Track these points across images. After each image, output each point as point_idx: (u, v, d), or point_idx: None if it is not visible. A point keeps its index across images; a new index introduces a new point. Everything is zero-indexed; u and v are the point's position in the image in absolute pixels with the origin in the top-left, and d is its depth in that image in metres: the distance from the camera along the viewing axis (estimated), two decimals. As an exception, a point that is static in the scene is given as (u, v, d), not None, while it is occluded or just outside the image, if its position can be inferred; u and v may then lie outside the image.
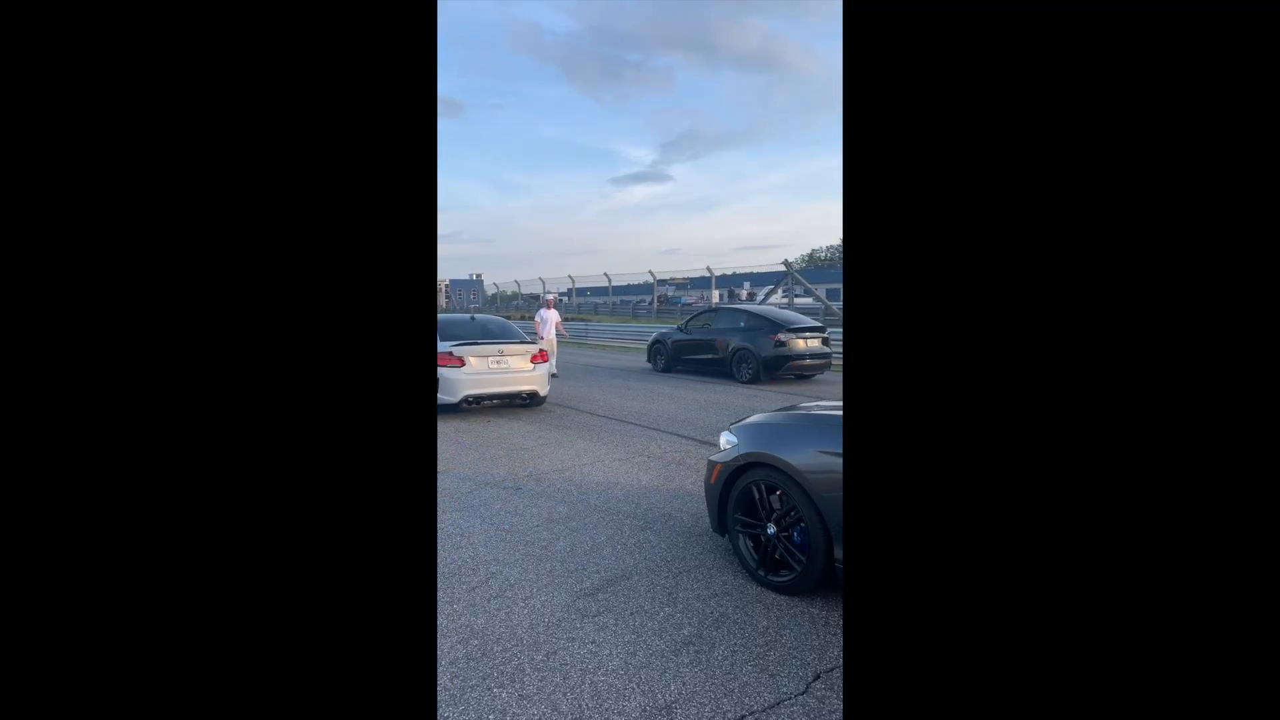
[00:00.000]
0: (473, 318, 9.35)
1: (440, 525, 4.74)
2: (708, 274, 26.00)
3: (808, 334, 11.88)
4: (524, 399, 8.76)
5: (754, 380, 11.51)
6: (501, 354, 8.52)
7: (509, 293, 44.78)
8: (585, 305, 40.67)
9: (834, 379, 12.32)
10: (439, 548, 4.33)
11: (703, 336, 12.68)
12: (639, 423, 8.31)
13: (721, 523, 3.95)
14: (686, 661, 2.99)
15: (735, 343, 12.06)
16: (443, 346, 8.40)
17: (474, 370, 8.36)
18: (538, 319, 13.04)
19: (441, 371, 8.29)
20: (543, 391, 8.80)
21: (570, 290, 34.58)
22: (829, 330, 14.07)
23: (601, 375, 13.47)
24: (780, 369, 11.54)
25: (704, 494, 4.32)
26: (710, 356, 12.37)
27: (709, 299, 30.60)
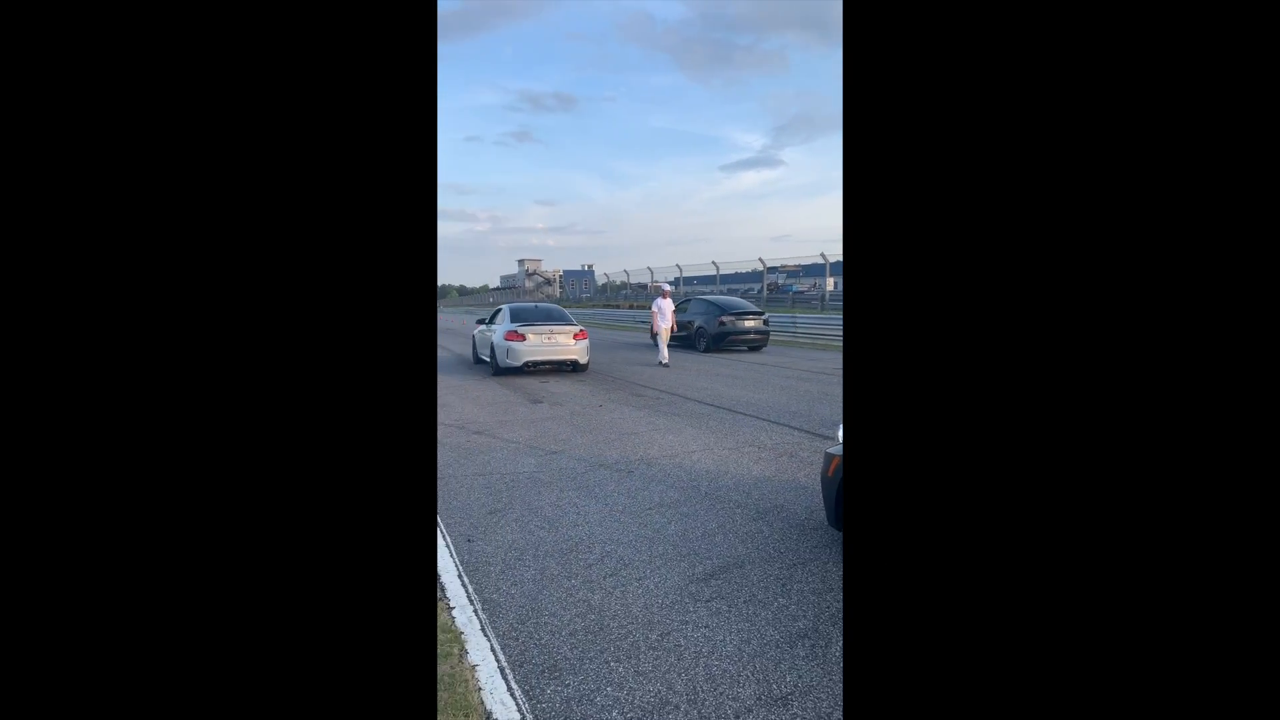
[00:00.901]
0: (536, 306, 13.38)
1: (557, 503, 4.95)
2: (822, 260, 25.41)
3: (748, 316, 17.66)
4: (569, 366, 12.63)
5: (707, 350, 16.93)
6: (551, 333, 12.31)
7: (618, 283, 45.19)
8: (693, 294, 42.28)
9: (776, 350, 17.76)
10: (556, 524, 4.50)
11: (681, 319, 18.50)
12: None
13: (839, 516, 3.90)
14: (802, 654, 2.98)
15: (697, 323, 17.77)
16: (511, 326, 12.33)
17: (531, 344, 12.15)
18: (654, 308, 14.38)
19: (510, 343, 12.12)
20: (582, 360, 12.57)
21: (678, 279, 34.51)
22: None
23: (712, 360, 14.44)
24: (723, 342, 17.15)
25: (820, 487, 4.42)
26: (684, 334, 18.19)
27: (822, 286, 30.00)
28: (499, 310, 14.35)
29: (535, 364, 12.50)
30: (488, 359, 13.84)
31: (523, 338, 12.59)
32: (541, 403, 9.43)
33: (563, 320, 13.18)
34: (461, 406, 9.12)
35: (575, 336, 12.81)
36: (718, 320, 18.28)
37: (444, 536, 4.38)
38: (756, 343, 18.32)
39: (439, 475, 5.81)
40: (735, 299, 19.46)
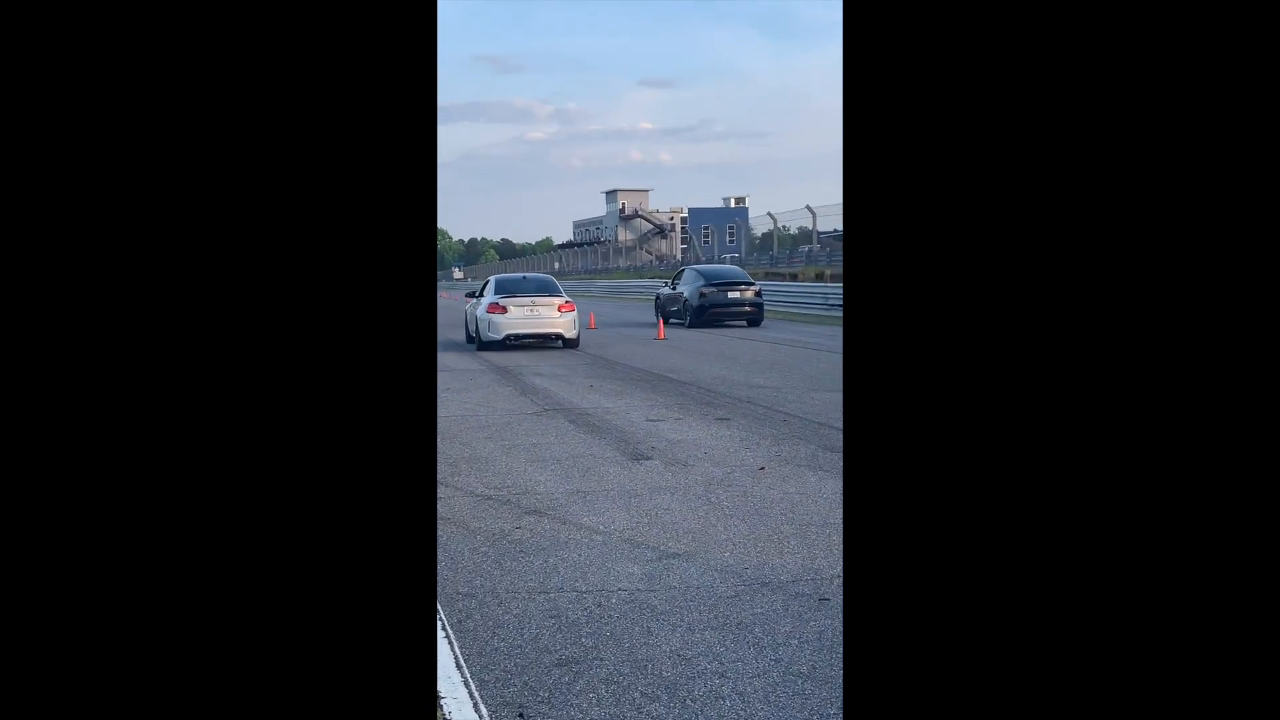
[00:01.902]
0: (525, 277, 14.63)
1: (682, 652, 3.23)
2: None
3: (742, 287, 18.20)
4: (556, 340, 13.50)
5: (693, 325, 17.23)
6: (534, 304, 13.23)
7: (791, 229, 27.62)
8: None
9: (777, 324, 17.92)
10: (683, 696, 2.92)
11: (671, 292, 19.30)
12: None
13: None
14: None
15: (684, 294, 18.51)
16: (494, 299, 13.28)
17: (513, 316, 13.16)
18: None
19: (491, 316, 13.17)
20: (569, 334, 13.41)
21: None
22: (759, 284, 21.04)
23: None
24: (705, 315, 17.43)
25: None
26: (675, 308, 18.65)
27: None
28: (487, 282, 14.95)
29: (518, 337, 13.66)
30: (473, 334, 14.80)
31: (504, 310, 13.57)
32: (649, 459, 6.72)
33: (551, 291, 14.35)
34: (505, 460, 6.87)
35: (560, 308, 13.82)
36: (699, 291, 18.93)
37: (477, 705, 2.89)
38: (746, 316, 18.95)
39: (466, 586, 4.12)
40: (727, 267, 21.03)
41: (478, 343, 14.40)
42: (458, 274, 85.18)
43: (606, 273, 55.91)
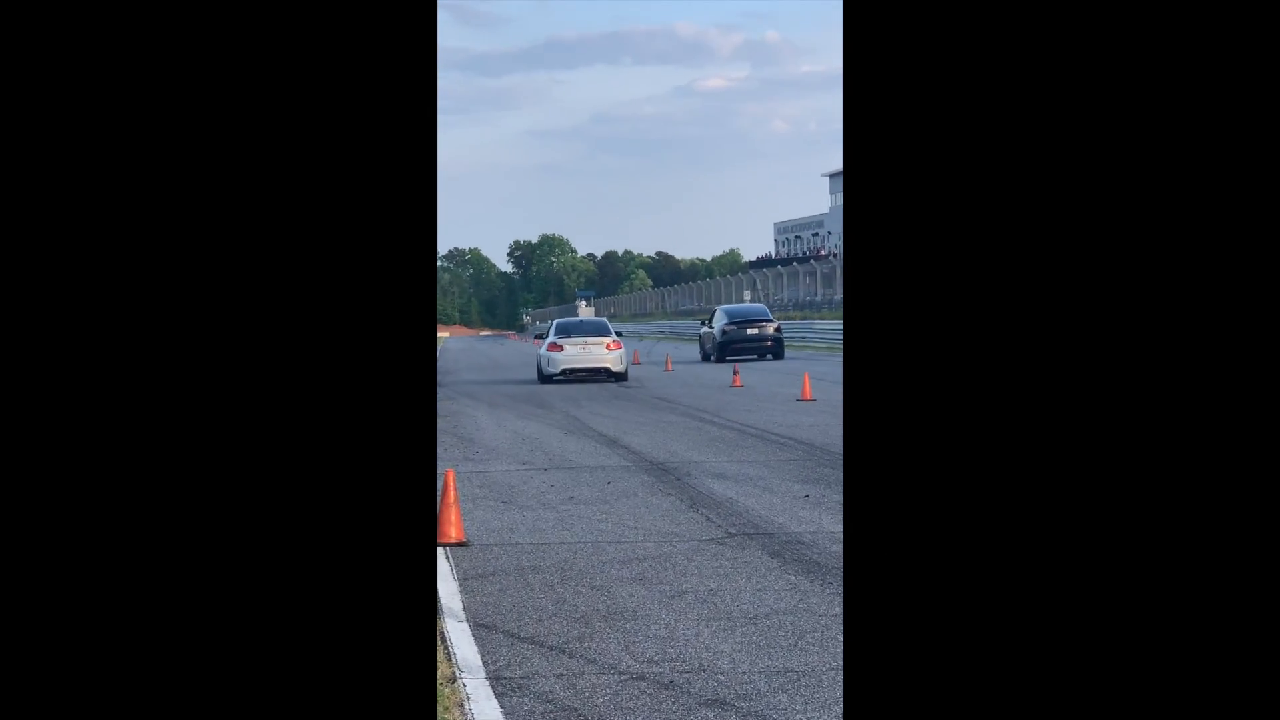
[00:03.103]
0: (581, 321, 24.11)
1: None
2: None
3: (762, 323, 28.17)
4: (604, 374, 22.41)
5: (718, 359, 26.99)
6: (586, 344, 22.10)
7: None
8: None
9: (797, 356, 27.87)
10: None
11: (708, 330, 29.68)
12: None
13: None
14: None
15: (713, 332, 29.05)
16: (553, 339, 22.63)
17: (568, 353, 21.93)
18: None
19: (550, 354, 22.26)
20: (616, 368, 22.26)
21: None
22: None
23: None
24: (728, 351, 26.88)
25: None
26: (708, 346, 29.68)
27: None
28: (550, 325, 23.59)
29: (572, 371, 21.09)
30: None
31: (561, 349, 21.41)
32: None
33: (600, 332, 23.00)
34: (664, 616, 6.02)
35: (609, 346, 21.96)
36: (722, 328, 28.18)
37: None
38: (764, 350, 27.87)
39: None
40: (750, 305, 29.50)
41: (540, 376, 23.18)
42: (585, 308, 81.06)
43: (834, 307, 49.52)
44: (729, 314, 29.90)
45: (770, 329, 28.77)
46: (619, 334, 25.95)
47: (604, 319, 27.22)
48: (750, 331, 28.56)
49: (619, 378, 23.10)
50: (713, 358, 27.92)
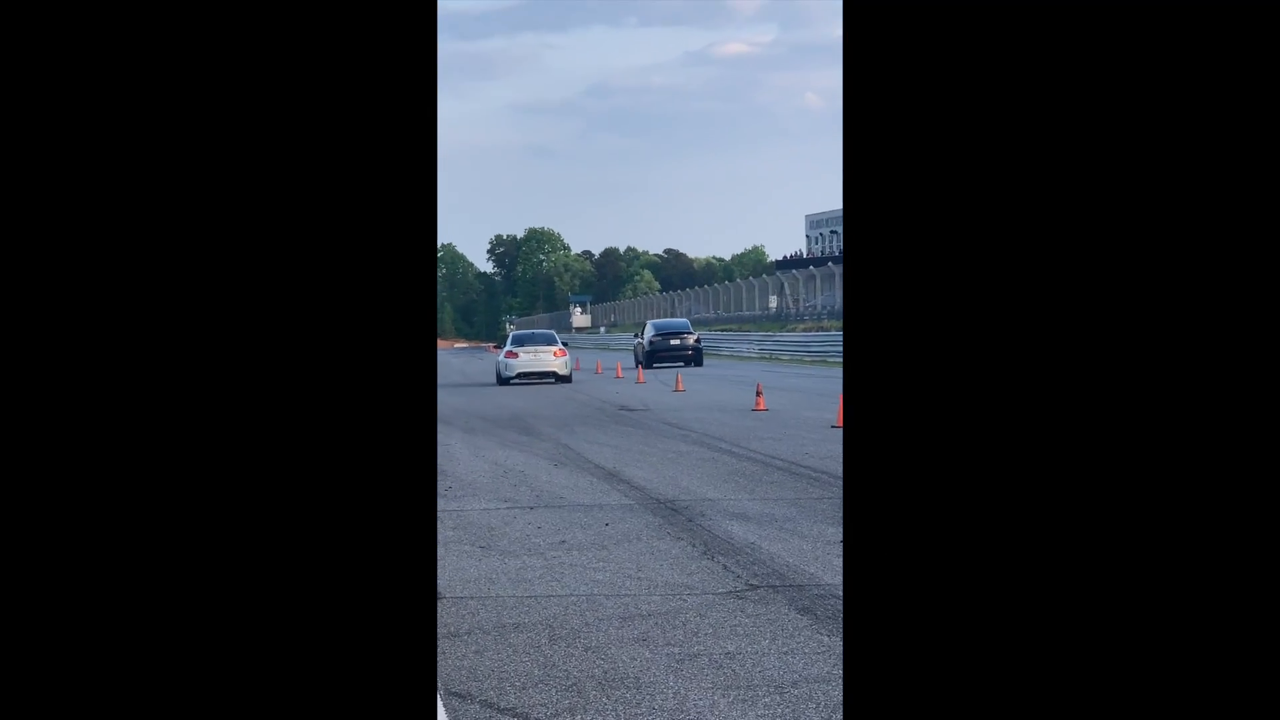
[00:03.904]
0: (533, 333, 38.90)
1: None
2: None
3: (683, 334, 45.20)
4: (551, 378, 34.60)
5: (646, 366, 41.39)
6: (536, 351, 34.70)
7: None
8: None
9: (713, 363, 46.61)
10: None
11: (635, 342, 48.06)
12: None
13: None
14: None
15: (642, 343, 45.98)
16: (509, 347, 35.76)
17: (522, 359, 34.45)
18: None
19: (507, 360, 34.97)
20: (562, 372, 34.48)
21: None
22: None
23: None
24: (654, 359, 42.94)
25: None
26: (640, 356, 45.77)
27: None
28: (508, 335, 35.24)
29: (525, 375, 31.47)
30: (498, 374, 34.26)
31: (516, 355, 31.55)
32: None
33: (549, 342, 33.94)
34: (673, 683, 5.95)
35: (555, 354, 32.37)
36: (649, 340, 41.58)
37: None
38: (685, 359, 40.86)
39: None
40: (674, 320, 47.74)
41: (498, 379, 33.45)
42: (579, 316, 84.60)
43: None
44: (656, 328, 45.17)
45: (690, 340, 44.11)
46: (565, 343, 38.29)
47: (550, 331, 40.27)
48: (674, 342, 43.55)
49: (564, 380, 34.90)
50: (641, 365, 41.17)
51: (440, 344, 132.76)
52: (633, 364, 46.61)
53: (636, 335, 48.19)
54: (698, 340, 44.27)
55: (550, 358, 33.12)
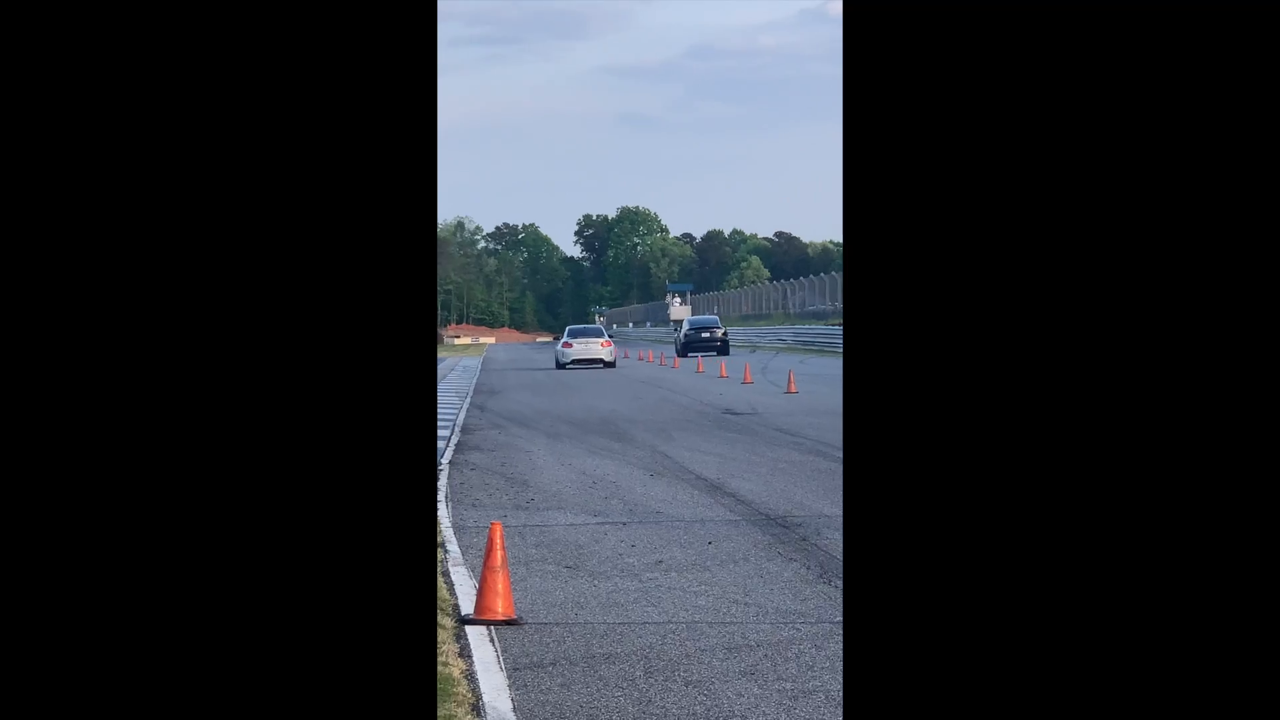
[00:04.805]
0: (585, 327, 67.20)
1: None
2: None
3: (713, 328, 67.95)
4: (600, 364, 55.35)
5: (681, 355, 63.22)
6: (588, 342, 56.39)
7: None
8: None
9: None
10: None
11: (675, 335, 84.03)
12: None
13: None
14: None
15: (679, 335, 74.69)
16: (565, 339, 57.95)
17: (576, 349, 55.62)
18: None
19: (564, 349, 56.32)
20: (608, 359, 54.57)
21: None
22: None
23: None
24: (690, 347, 65.40)
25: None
26: (678, 345, 71.68)
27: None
28: (567, 329, 60.03)
29: (578, 360, 51.72)
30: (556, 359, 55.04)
31: (570, 345, 52.80)
32: None
33: (598, 335, 56.01)
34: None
35: (602, 344, 53.04)
36: (684, 333, 65.10)
37: None
38: (715, 349, 60.43)
39: None
40: (703, 317, 72.41)
41: (556, 364, 52.02)
42: (679, 307, 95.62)
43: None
44: (690, 323, 64.87)
45: (718, 333, 62.11)
46: (611, 336, 57.12)
47: (599, 325, 63.18)
48: (704, 335, 62.22)
49: (609, 365, 51.42)
50: (681, 354, 58.17)
51: (518, 336, 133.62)
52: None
53: (675, 328, 69.12)
54: (724, 333, 62.20)
55: (598, 347, 51.44)
